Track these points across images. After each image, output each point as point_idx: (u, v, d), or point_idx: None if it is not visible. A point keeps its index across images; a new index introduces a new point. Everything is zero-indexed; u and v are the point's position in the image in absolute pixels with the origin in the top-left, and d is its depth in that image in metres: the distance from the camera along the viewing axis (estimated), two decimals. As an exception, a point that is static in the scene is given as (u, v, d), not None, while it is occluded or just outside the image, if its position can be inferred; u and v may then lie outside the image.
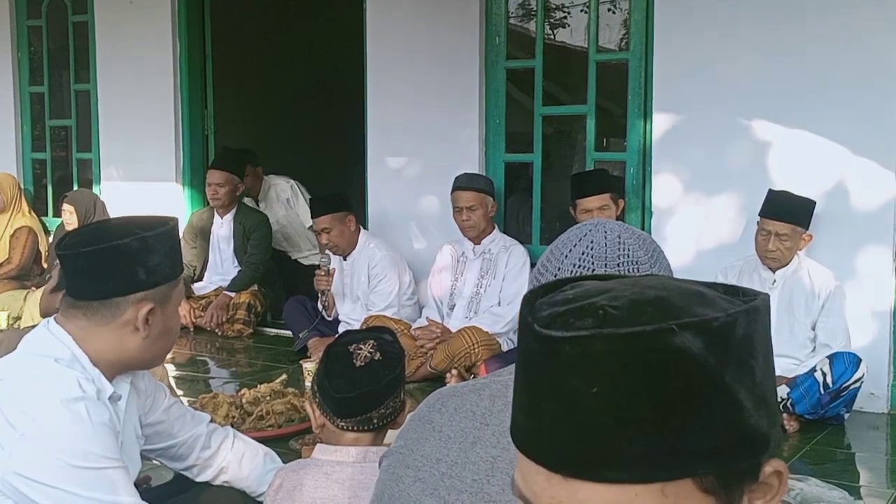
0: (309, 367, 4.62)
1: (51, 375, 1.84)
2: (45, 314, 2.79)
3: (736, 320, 0.77)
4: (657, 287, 0.81)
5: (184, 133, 6.49)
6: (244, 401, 3.87)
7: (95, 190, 6.83)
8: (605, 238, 1.42)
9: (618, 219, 4.57)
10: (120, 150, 6.71)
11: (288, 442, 3.63)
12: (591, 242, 1.42)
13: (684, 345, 0.74)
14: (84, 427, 1.77)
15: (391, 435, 2.07)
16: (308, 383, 4.57)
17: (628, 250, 1.41)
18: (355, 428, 2.03)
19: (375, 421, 2.04)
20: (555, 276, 1.43)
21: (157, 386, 2.20)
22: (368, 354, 2.06)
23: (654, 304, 0.78)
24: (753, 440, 0.78)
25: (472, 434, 1.39)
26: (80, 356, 1.89)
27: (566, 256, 1.43)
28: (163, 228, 1.91)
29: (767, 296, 0.83)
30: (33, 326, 2.65)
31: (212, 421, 3.71)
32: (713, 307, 0.78)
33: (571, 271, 1.41)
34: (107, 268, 1.87)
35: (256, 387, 3.99)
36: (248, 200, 6.51)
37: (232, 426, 3.70)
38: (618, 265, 1.40)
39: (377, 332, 2.18)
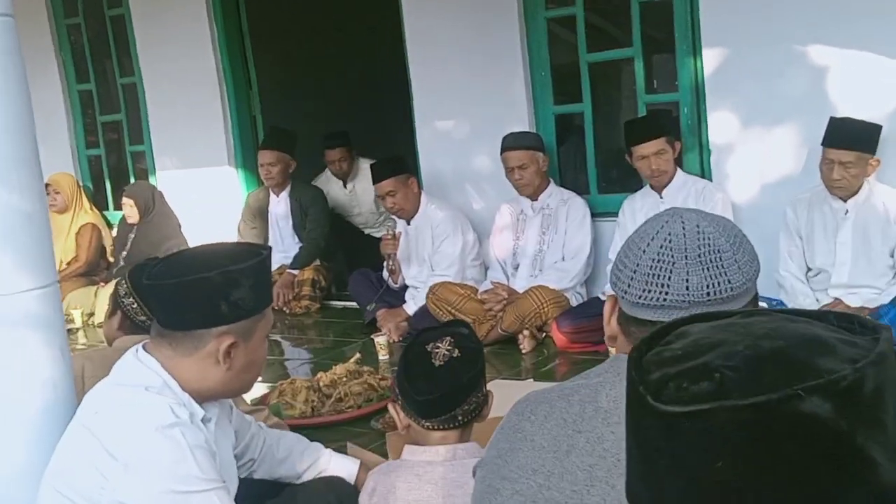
0: (380, 340, 4.67)
1: (144, 404, 1.87)
2: (108, 340, 2.84)
3: (864, 376, 0.72)
4: (772, 335, 0.77)
5: (231, 115, 6.50)
6: (321, 384, 3.92)
7: (152, 181, 6.91)
8: (684, 228, 1.38)
9: (676, 161, 4.47)
10: (171, 139, 6.76)
11: (369, 422, 3.68)
12: (669, 234, 1.39)
13: (813, 411, 0.70)
14: (182, 452, 1.81)
15: (478, 430, 2.08)
16: (382, 357, 4.65)
17: (708, 239, 1.37)
18: (441, 427, 2.04)
19: (460, 418, 2.04)
20: (634, 272, 1.40)
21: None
22: (447, 353, 2.05)
23: (773, 360, 0.74)
24: (888, 496, 0.74)
25: (565, 442, 1.38)
26: (170, 382, 1.92)
27: (644, 251, 1.40)
28: (251, 261, 1.90)
29: (889, 331, 0.78)
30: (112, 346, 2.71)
31: (292, 407, 3.81)
32: (836, 356, 0.74)
33: (651, 266, 1.38)
34: (190, 300, 1.88)
35: (332, 368, 4.04)
36: (337, 182, 6.54)
37: (312, 410, 3.80)
38: (699, 255, 1.36)
39: (453, 326, 2.17)
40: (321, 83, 7.93)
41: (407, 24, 5.49)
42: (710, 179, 4.55)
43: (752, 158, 4.44)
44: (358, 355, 4.14)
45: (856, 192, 3.94)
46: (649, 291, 1.37)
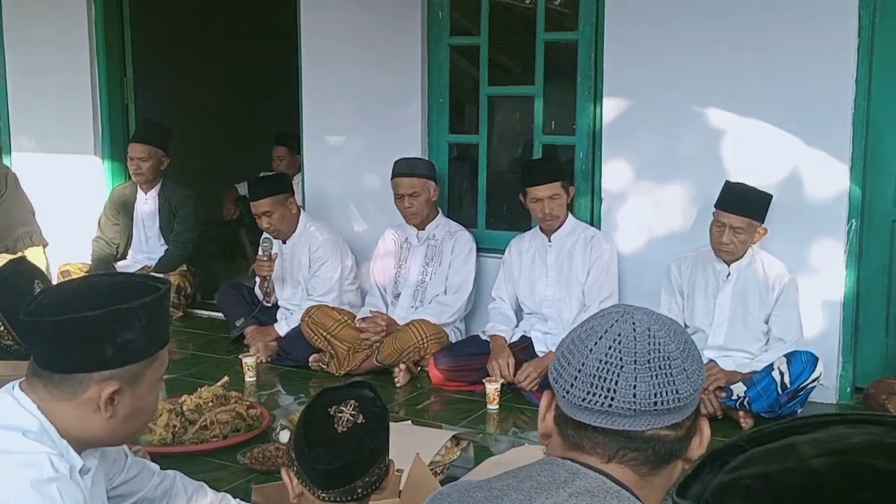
0: (249, 361, 4.45)
1: (20, 452, 1.65)
2: None
3: None
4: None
5: (101, 101, 6.10)
6: (185, 408, 3.67)
7: (6, 161, 6.39)
8: (634, 330, 1.31)
9: (568, 206, 4.45)
10: (32, 119, 6.28)
11: (235, 455, 3.45)
12: (619, 335, 1.31)
13: None
14: None
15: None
16: (249, 378, 4.42)
17: (659, 344, 1.30)
18: (338, 499, 1.87)
19: (360, 490, 1.89)
20: (578, 371, 1.33)
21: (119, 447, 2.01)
22: (350, 418, 1.90)
23: None
24: None
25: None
26: (48, 427, 1.70)
27: (591, 350, 1.32)
28: (145, 299, 1.69)
29: None
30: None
31: (152, 432, 3.54)
32: None
33: (597, 367, 1.31)
34: (70, 340, 1.67)
35: (197, 391, 3.78)
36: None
37: (174, 437, 3.55)
38: (648, 361, 1.29)
39: (357, 388, 2.01)
40: (205, 75, 7.58)
41: (303, 27, 5.27)
42: (599, 228, 4.55)
43: (642, 211, 4.47)
44: (226, 378, 3.90)
45: (740, 257, 4.01)
46: (594, 395, 1.29)
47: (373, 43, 5.05)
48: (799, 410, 3.85)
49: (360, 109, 5.14)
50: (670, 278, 4.17)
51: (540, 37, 4.68)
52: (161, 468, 3.17)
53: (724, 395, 3.85)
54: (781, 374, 3.71)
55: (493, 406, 4.06)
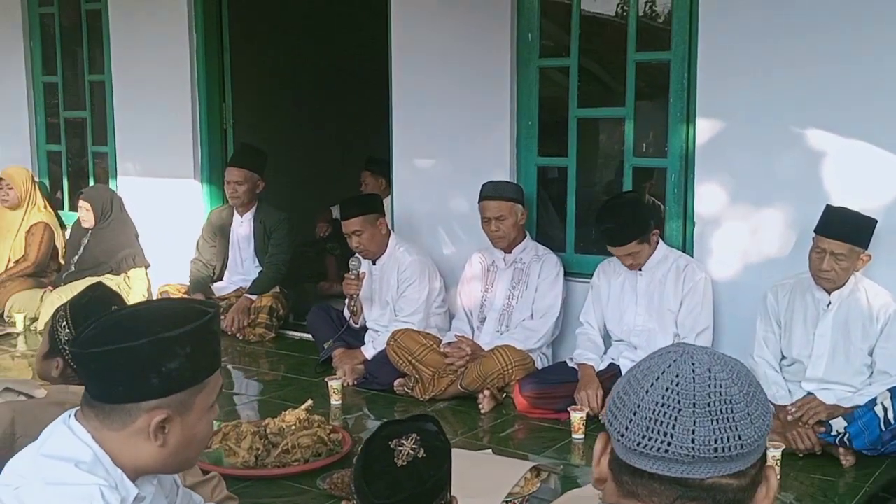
0: (334, 384, 4.46)
1: (72, 484, 1.66)
2: (41, 378, 2.60)
3: None
4: None
5: (202, 127, 6.26)
6: (269, 431, 3.69)
7: (112, 184, 6.64)
8: (693, 371, 1.24)
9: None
10: (136, 144, 6.50)
11: (315, 480, 3.45)
12: (677, 377, 1.24)
13: None
14: None
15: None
16: (334, 402, 4.43)
17: (720, 386, 1.22)
18: None
19: None
20: (634, 414, 1.26)
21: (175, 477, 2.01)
22: (411, 452, 1.85)
23: None
24: None
25: None
26: (103, 457, 1.71)
27: (647, 392, 1.25)
28: (189, 326, 1.68)
29: None
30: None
31: (235, 454, 3.58)
32: None
33: (653, 410, 1.24)
34: (115, 372, 1.67)
35: (281, 414, 3.80)
36: None
37: (256, 459, 3.57)
38: (708, 404, 1.22)
39: (420, 422, 1.97)
40: (299, 100, 7.73)
41: (394, 50, 5.30)
42: (692, 253, 4.41)
43: (736, 235, 4.31)
44: (309, 402, 3.91)
45: (842, 285, 3.80)
46: (650, 439, 1.22)
47: (462, 64, 5.04)
48: (904, 449, 3.63)
49: (449, 131, 5.13)
50: (766, 307, 3.99)
51: (631, 57, 4.58)
52: (243, 491, 3.22)
53: (823, 430, 3.65)
54: (885, 409, 3.49)
55: (578, 436, 3.96)
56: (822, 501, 3.36)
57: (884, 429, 3.48)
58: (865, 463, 3.60)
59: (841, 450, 3.61)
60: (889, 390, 3.55)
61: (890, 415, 3.47)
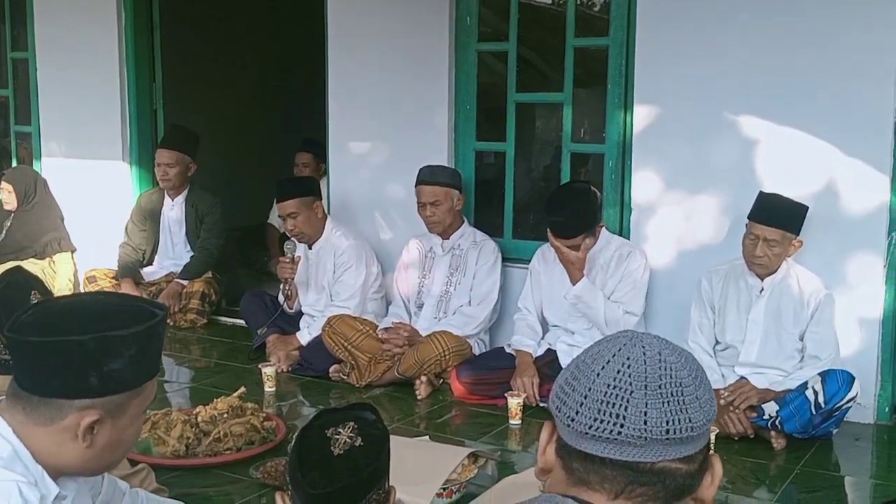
0: (268, 371, 4.38)
1: None
2: None
3: None
4: None
5: (130, 107, 6.09)
6: (200, 419, 3.60)
7: (36, 166, 6.44)
8: (644, 354, 1.24)
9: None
10: (62, 124, 6.30)
11: (248, 469, 3.37)
12: (628, 359, 1.24)
13: None
14: None
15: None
16: (268, 388, 4.35)
17: (670, 369, 1.23)
18: None
19: None
20: (584, 397, 1.26)
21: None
22: (348, 440, 1.80)
23: None
24: None
25: None
26: (22, 453, 1.62)
27: (598, 375, 1.24)
28: (137, 328, 1.60)
29: None
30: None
31: (164, 443, 3.48)
32: None
33: (605, 392, 1.24)
34: (53, 364, 1.58)
35: (213, 402, 3.71)
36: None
37: (187, 448, 3.48)
38: (659, 387, 1.22)
39: (358, 410, 1.92)
40: (232, 81, 7.57)
41: (330, 33, 5.21)
42: (629, 237, 4.42)
43: (673, 222, 4.34)
44: (242, 389, 3.82)
45: (774, 271, 3.85)
46: (602, 421, 1.21)
47: (400, 48, 4.98)
48: (834, 431, 3.70)
49: (387, 115, 5.06)
50: (701, 292, 4.03)
51: (570, 42, 4.56)
52: (173, 480, 3.12)
53: (755, 414, 3.70)
54: (816, 393, 3.55)
55: (515, 421, 3.95)
56: (753, 483, 3.41)
57: (814, 412, 3.54)
58: (796, 445, 3.66)
59: (773, 433, 3.66)
60: (820, 375, 3.61)
61: (821, 398, 3.53)
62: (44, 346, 1.58)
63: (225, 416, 3.62)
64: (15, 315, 1.68)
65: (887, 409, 4.03)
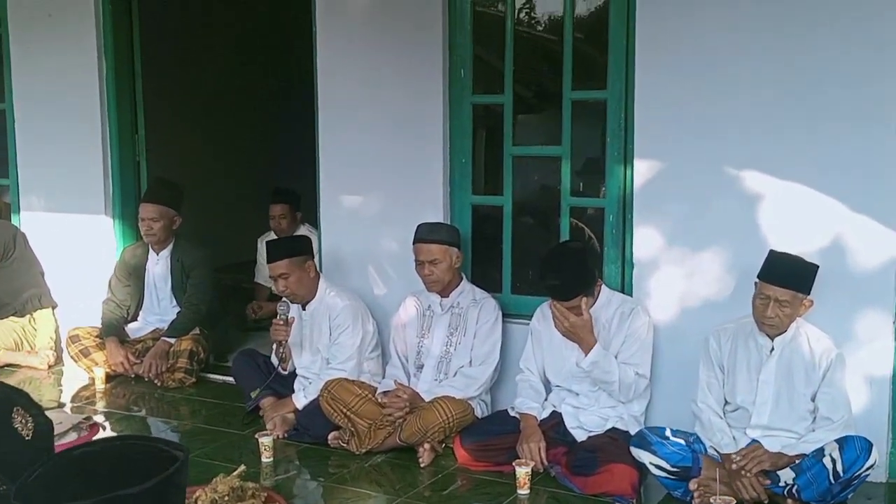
0: (265, 441, 4.25)
1: None
2: None
3: None
4: None
5: (112, 159, 5.94)
6: (199, 503, 3.46)
7: (14, 220, 6.27)
8: None
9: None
10: (42, 177, 6.15)
11: (254, 558, 3.25)
12: None
13: None
14: None
15: None
16: (265, 459, 4.22)
17: None
18: None
19: None
20: None
21: None
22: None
23: None
24: None
25: None
26: None
27: None
28: (150, 482, 1.47)
29: None
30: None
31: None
32: None
33: None
34: None
35: (213, 482, 3.58)
36: None
37: (188, 535, 3.34)
38: None
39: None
40: (217, 133, 7.46)
41: (321, 82, 5.10)
42: (631, 294, 4.34)
43: (676, 279, 4.26)
44: (243, 467, 3.69)
45: (784, 331, 3.78)
46: None
47: (392, 100, 4.88)
48: (850, 496, 3.62)
49: (380, 169, 4.96)
50: (709, 352, 3.94)
51: (567, 95, 4.49)
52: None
53: (769, 481, 3.61)
54: (833, 461, 3.46)
55: (523, 491, 3.83)
56: (774, 557, 3.32)
57: (833, 481, 3.46)
58: (813, 512, 3.58)
59: (789, 501, 3.58)
60: (837, 441, 3.53)
61: (839, 466, 3.45)
62: None
63: (226, 499, 3.49)
64: (24, 476, 1.56)
65: (900, 469, 3.97)
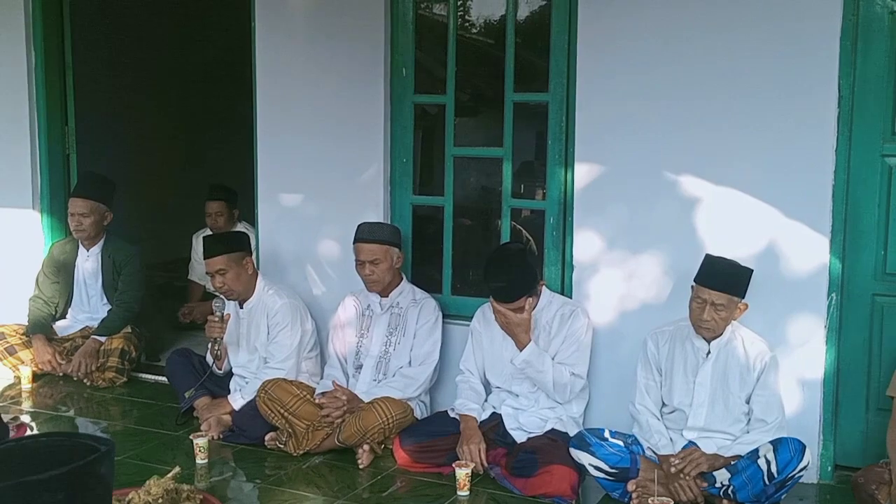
0: (201, 442, 4.16)
1: None
2: None
3: None
4: None
5: (41, 152, 5.77)
6: (133, 507, 3.37)
7: (-65, 213, 6.02)
8: None
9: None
10: (-35, 169, 5.92)
11: (190, 563, 3.18)
12: None
13: None
14: None
15: None
16: (200, 461, 4.14)
17: None
18: None
19: None
20: None
21: None
22: None
23: None
24: None
25: None
26: None
27: None
28: (64, 468, 1.43)
29: None
30: None
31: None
32: None
33: None
34: None
35: (146, 484, 3.48)
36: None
37: (120, 540, 3.25)
38: None
39: None
40: (150, 125, 7.30)
41: (259, 80, 5.03)
42: (570, 296, 4.37)
43: (615, 281, 4.30)
44: (177, 469, 3.60)
45: (720, 334, 3.85)
46: None
47: (333, 98, 4.83)
48: (783, 497, 3.69)
49: (320, 167, 4.90)
50: (647, 354, 3.99)
51: (509, 97, 4.50)
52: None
53: (705, 484, 3.67)
54: (768, 462, 3.53)
55: (463, 492, 3.83)
56: (710, 556, 3.37)
57: (768, 482, 3.53)
58: (745, 512, 3.64)
59: (725, 502, 3.64)
60: (771, 443, 3.61)
61: (773, 468, 3.52)
62: None
63: (160, 501, 3.40)
64: None
65: (830, 469, 4.07)
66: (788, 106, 3.94)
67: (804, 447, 3.57)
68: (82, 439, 1.58)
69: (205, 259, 4.69)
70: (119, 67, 7.18)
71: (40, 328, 5.49)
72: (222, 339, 4.64)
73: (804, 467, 3.56)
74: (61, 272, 5.61)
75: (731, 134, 4.05)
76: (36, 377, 5.35)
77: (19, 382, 5.31)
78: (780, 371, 3.89)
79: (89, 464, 1.48)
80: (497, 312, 4.08)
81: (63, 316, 5.68)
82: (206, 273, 4.81)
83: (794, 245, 3.99)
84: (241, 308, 4.70)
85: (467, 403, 4.22)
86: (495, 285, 4.03)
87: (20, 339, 5.46)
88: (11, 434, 4.29)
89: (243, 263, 4.64)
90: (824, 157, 3.92)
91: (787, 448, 3.55)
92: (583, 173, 4.32)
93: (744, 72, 4.00)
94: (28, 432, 4.47)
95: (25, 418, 4.75)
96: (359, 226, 4.49)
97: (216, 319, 4.60)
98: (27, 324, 5.52)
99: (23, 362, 5.36)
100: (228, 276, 4.59)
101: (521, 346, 4.06)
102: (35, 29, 5.64)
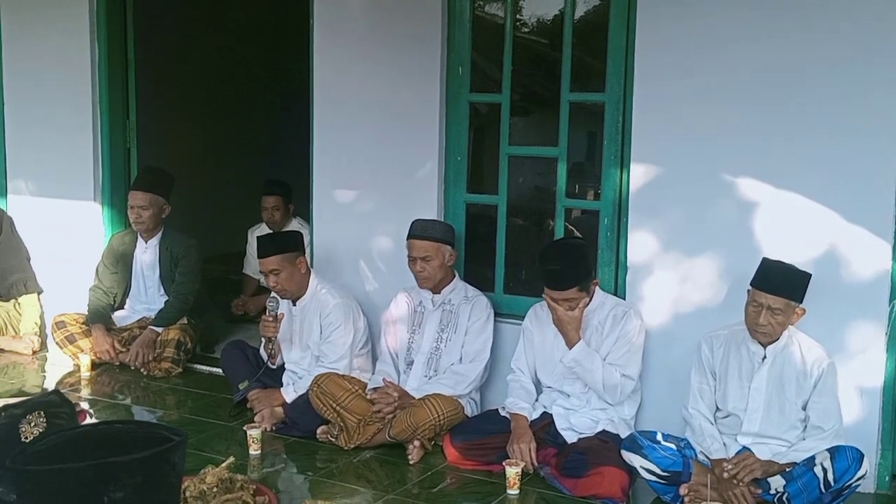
0: (254, 433, 4.22)
1: None
2: None
3: None
4: None
5: (103, 146, 5.88)
6: (189, 494, 3.42)
7: (2, 204, 6.20)
8: None
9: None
10: (30, 161, 6.09)
11: (243, 552, 3.23)
12: None
13: None
14: None
15: None
16: (253, 451, 4.20)
17: None
18: None
19: None
20: None
21: None
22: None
23: None
24: None
25: None
26: None
27: None
28: (141, 454, 1.47)
29: None
30: None
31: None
32: None
33: None
34: (56, 496, 1.44)
35: (201, 473, 3.55)
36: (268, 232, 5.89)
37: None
38: None
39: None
40: (211, 121, 7.41)
41: (316, 79, 5.08)
42: (624, 298, 4.35)
43: (669, 283, 4.26)
44: (231, 459, 3.66)
45: (777, 339, 3.79)
46: None
47: (389, 96, 4.86)
48: (839, 504, 3.63)
49: (374, 165, 4.94)
50: (701, 358, 3.95)
51: (564, 97, 4.49)
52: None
53: (759, 490, 3.62)
54: (825, 470, 3.48)
55: (513, 491, 3.83)
56: (762, 564, 3.33)
57: (824, 490, 3.48)
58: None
59: (779, 508, 3.60)
60: (828, 451, 3.55)
61: (830, 476, 3.47)
62: (41, 476, 1.44)
63: (215, 490, 3.46)
64: (21, 446, 1.55)
65: (887, 479, 3.99)
66: (850, 110, 3.87)
67: (862, 456, 3.51)
68: (157, 429, 1.62)
69: (259, 259, 4.75)
70: (180, 63, 7.29)
71: (99, 318, 5.61)
72: (276, 337, 4.69)
73: (862, 476, 3.50)
74: (120, 263, 5.72)
75: (790, 139, 3.99)
76: (94, 366, 5.47)
77: (79, 370, 5.44)
78: (839, 378, 3.82)
79: (166, 451, 1.53)
80: (551, 308, 4.07)
81: (121, 306, 5.80)
82: (260, 272, 4.87)
83: (855, 250, 3.92)
84: (294, 305, 4.75)
85: (518, 402, 4.22)
86: (549, 268, 4.02)
87: (80, 328, 5.58)
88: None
89: (296, 263, 4.68)
90: (888, 161, 3.84)
91: (845, 456, 3.50)
92: (638, 174, 4.30)
93: (807, 74, 3.94)
94: (87, 419, 4.57)
95: (84, 405, 4.86)
96: (412, 223, 4.51)
97: (270, 319, 4.64)
98: (87, 313, 5.64)
99: (82, 351, 5.49)
100: (282, 275, 4.64)
101: (570, 345, 4.05)
102: (99, 23, 5.75)
